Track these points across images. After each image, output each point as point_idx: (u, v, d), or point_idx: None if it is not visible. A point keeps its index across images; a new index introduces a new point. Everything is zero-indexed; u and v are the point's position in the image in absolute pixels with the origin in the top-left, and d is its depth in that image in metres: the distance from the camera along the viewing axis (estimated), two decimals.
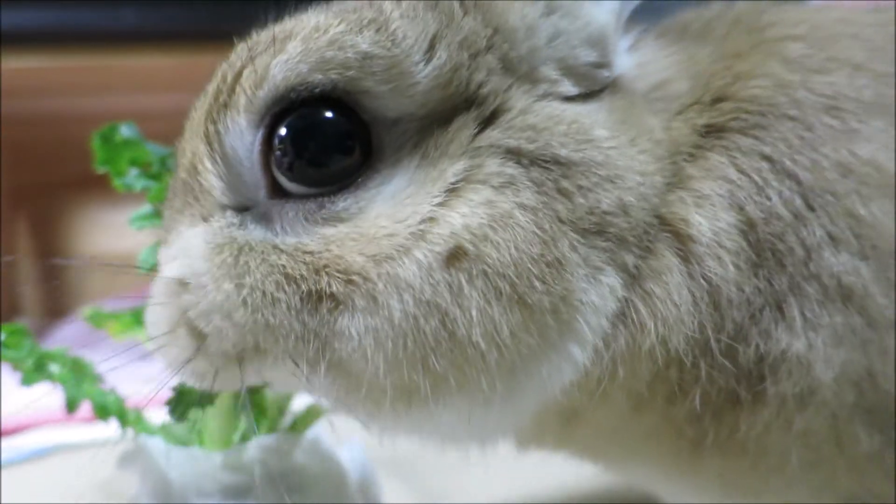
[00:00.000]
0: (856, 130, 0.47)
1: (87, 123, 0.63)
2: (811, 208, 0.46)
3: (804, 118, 0.48)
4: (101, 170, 0.60)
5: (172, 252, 0.47)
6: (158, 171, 0.60)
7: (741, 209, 0.47)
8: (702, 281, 0.46)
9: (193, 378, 0.49)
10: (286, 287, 0.42)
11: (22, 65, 1.37)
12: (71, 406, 0.59)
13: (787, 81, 0.49)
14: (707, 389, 0.48)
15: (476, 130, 0.44)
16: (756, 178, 0.47)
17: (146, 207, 0.61)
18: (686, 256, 0.47)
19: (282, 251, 0.43)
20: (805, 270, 0.46)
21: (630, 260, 0.46)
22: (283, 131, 0.43)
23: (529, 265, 0.42)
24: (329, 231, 0.43)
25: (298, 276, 0.42)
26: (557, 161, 0.44)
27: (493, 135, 0.44)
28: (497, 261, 0.41)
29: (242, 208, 0.46)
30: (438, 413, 0.44)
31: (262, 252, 0.44)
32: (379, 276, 0.41)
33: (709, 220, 0.46)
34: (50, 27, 1.38)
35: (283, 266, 0.43)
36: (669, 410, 0.49)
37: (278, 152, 0.43)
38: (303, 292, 0.42)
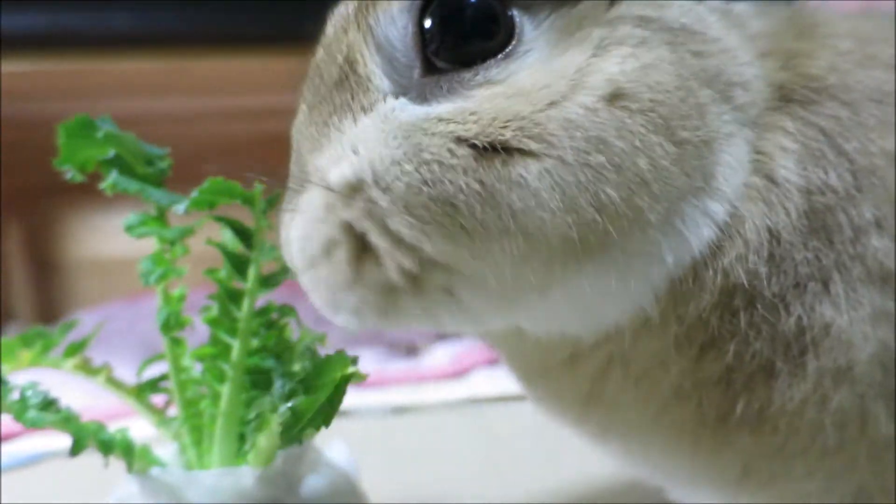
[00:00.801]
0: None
1: None
2: (860, 189, 0.49)
3: (853, 103, 0.51)
4: (64, 168, 0.57)
5: (335, 152, 0.48)
6: (152, 173, 0.59)
7: (805, 173, 0.50)
8: (768, 224, 0.49)
9: (349, 314, 0.49)
10: (459, 151, 0.44)
11: (14, 69, 1.36)
12: (78, 449, 0.58)
13: (840, 67, 0.53)
14: (741, 350, 0.50)
15: (606, 7, 0.48)
16: (815, 147, 0.50)
17: (143, 212, 0.60)
18: (766, 195, 0.49)
19: (448, 120, 0.45)
20: (852, 250, 0.49)
21: (752, 138, 0.50)
22: (432, 14, 0.47)
23: (677, 104, 0.46)
24: (487, 92, 0.46)
25: (470, 136, 0.44)
26: (683, 28, 0.48)
27: (621, 8, 0.48)
28: (651, 99, 0.45)
29: (400, 92, 0.48)
30: (597, 269, 0.46)
31: (429, 126, 0.46)
32: (548, 119, 0.44)
33: (786, 169, 0.50)
34: (42, 31, 1.37)
35: (452, 131, 0.45)
36: (701, 366, 0.51)
37: (429, 34, 0.47)
38: (476, 150, 0.44)
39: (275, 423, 0.55)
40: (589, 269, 0.47)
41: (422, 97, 0.47)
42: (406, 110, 0.47)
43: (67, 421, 0.58)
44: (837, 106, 0.51)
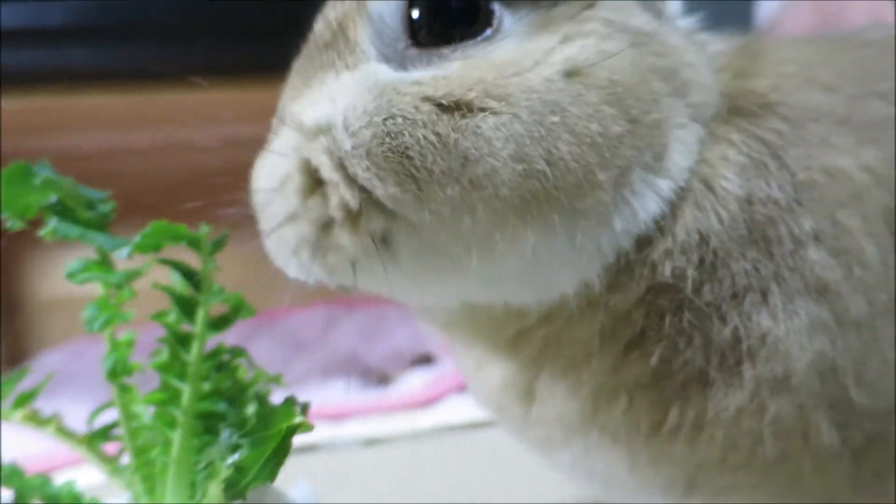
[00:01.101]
0: (834, 143, 0.54)
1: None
2: (800, 203, 0.51)
3: (795, 120, 0.54)
4: (3, 216, 0.56)
5: (313, 98, 0.51)
6: (94, 217, 0.58)
7: (746, 184, 0.52)
8: (699, 227, 0.51)
9: (289, 254, 0.51)
10: (423, 107, 0.47)
11: None
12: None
13: (783, 87, 0.56)
14: (669, 356, 0.51)
15: (578, 11, 0.52)
16: (759, 159, 0.53)
17: (86, 257, 0.59)
18: (699, 200, 0.52)
19: (422, 83, 0.49)
20: (791, 261, 0.51)
21: (702, 135, 0.53)
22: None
23: (635, 88, 0.49)
24: (461, 64, 0.50)
25: (438, 95, 0.48)
26: (644, 32, 0.52)
27: (591, 12, 0.52)
28: (608, 79, 0.48)
29: (384, 60, 0.52)
30: (544, 225, 0.48)
31: (403, 87, 0.49)
32: (510, 83, 0.47)
33: (726, 179, 0.52)
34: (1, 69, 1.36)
35: (422, 92, 0.48)
36: (624, 364, 0.52)
37: (417, 14, 0.51)
38: (440, 106, 0.47)
39: (220, 478, 0.53)
40: (536, 224, 0.48)
41: (402, 66, 0.51)
42: (386, 73, 0.51)
43: (11, 476, 0.57)
44: (780, 121, 0.54)
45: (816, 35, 0.74)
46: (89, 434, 0.64)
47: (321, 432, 1.25)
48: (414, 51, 0.52)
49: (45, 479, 0.57)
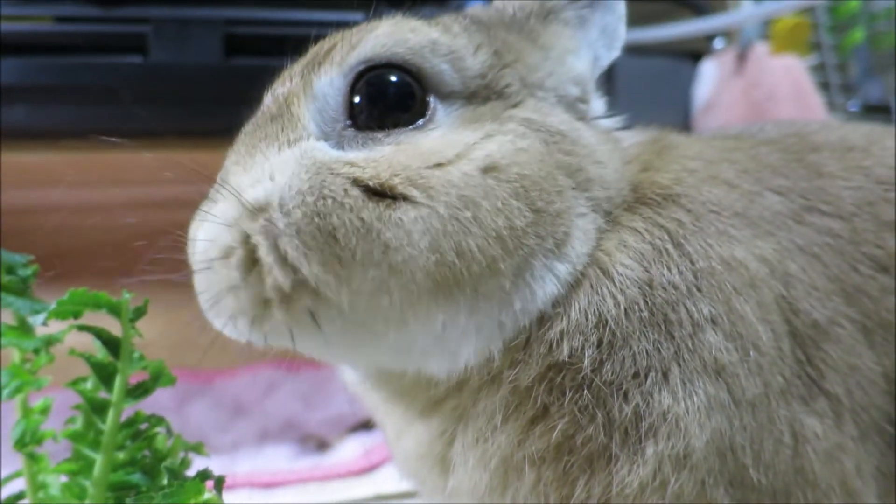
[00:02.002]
0: (733, 235, 0.57)
1: None
2: (699, 289, 0.54)
3: (695, 210, 0.58)
4: None
5: (255, 175, 0.55)
6: (14, 280, 0.57)
7: (647, 270, 0.55)
8: (597, 310, 0.54)
9: (226, 318, 0.54)
10: (352, 192, 0.51)
11: None
12: None
13: (684, 180, 0.60)
14: (572, 431, 0.53)
15: (503, 111, 0.58)
16: (661, 246, 0.56)
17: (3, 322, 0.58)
18: (596, 285, 0.55)
19: (353, 164, 0.53)
20: (690, 343, 0.53)
21: (603, 227, 0.58)
22: (363, 84, 0.56)
23: (541, 182, 0.54)
24: (392, 149, 0.54)
25: (366, 177, 0.52)
26: (558, 132, 0.58)
27: (514, 112, 0.58)
28: (517, 173, 0.53)
29: (323, 137, 0.56)
30: (450, 306, 0.52)
31: (337, 167, 0.53)
32: (432, 175, 0.52)
33: (624, 265, 0.55)
34: None
35: (352, 173, 0.52)
36: (529, 438, 0.54)
37: (358, 98, 0.56)
38: (367, 192, 0.51)
39: None
40: (444, 304, 0.52)
41: (339, 145, 0.56)
42: (323, 151, 0.55)
43: None
44: (681, 212, 0.58)
45: (721, 131, 0.79)
46: None
47: (255, 500, 1.22)
48: (351, 132, 0.56)
49: None
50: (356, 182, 0.52)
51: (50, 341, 0.58)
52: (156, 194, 1.64)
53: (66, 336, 0.59)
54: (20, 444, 0.57)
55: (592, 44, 0.66)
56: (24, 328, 0.58)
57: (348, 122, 0.56)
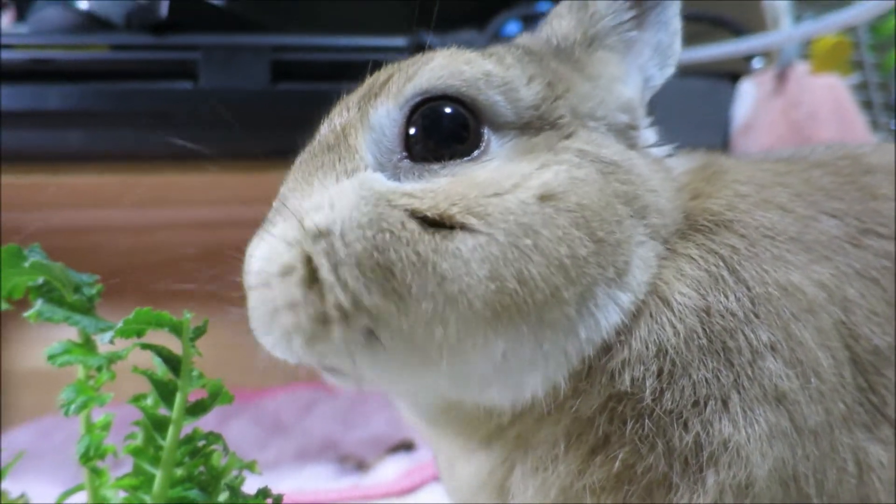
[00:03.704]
0: (788, 260, 0.56)
1: (27, 239, 0.62)
2: (757, 315, 0.54)
3: (749, 235, 0.58)
4: None
5: (315, 201, 0.55)
6: (80, 300, 0.59)
7: (704, 297, 0.55)
8: (657, 339, 0.54)
9: (279, 336, 0.53)
10: (409, 225, 0.52)
11: None
12: None
13: (737, 206, 0.60)
14: (632, 461, 0.53)
15: (557, 141, 0.58)
16: (716, 273, 0.56)
17: (67, 339, 0.60)
18: (656, 314, 0.54)
19: (411, 195, 0.53)
20: (750, 371, 0.52)
21: (663, 253, 0.57)
22: (419, 115, 0.57)
23: (600, 212, 0.54)
24: (448, 180, 0.55)
25: (424, 208, 0.52)
26: (613, 162, 0.58)
27: (568, 143, 0.58)
28: (577, 203, 0.53)
29: (379, 168, 0.57)
30: (512, 334, 0.52)
31: (394, 198, 0.53)
32: (490, 203, 0.52)
33: (682, 294, 0.55)
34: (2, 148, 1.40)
35: (410, 204, 0.53)
36: (589, 468, 0.54)
37: (413, 129, 0.57)
38: (424, 223, 0.52)
39: None
40: (504, 333, 0.52)
41: (396, 176, 0.56)
42: (380, 182, 0.55)
43: None
44: (735, 237, 0.57)
45: (771, 154, 0.79)
46: None
47: None
48: (407, 163, 0.56)
49: None
50: (414, 213, 0.52)
51: (112, 359, 0.60)
52: (204, 215, 1.69)
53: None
54: (84, 458, 0.59)
55: (643, 65, 0.66)
56: (88, 345, 0.60)
57: (404, 154, 0.57)
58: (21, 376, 1.99)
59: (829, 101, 2.01)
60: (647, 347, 0.53)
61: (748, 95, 2.06)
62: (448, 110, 0.56)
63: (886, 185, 0.64)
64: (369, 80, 0.62)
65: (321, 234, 0.53)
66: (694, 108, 2.04)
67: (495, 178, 0.54)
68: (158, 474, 0.58)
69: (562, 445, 0.55)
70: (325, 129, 0.61)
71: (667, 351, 0.53)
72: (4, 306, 0.58)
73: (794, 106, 1.99)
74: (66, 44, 1.39)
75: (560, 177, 0.54)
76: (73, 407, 0.57)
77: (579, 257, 0.52)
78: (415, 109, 0.57)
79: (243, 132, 1.22)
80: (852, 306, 0.56)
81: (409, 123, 0.57)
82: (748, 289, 0.54)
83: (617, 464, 0.53)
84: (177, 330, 0.57)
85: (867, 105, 2.32)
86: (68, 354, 0.58)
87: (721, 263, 0.56)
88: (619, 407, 0.53)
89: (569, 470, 0.55)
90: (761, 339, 0.53)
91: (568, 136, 0.58)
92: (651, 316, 0.54)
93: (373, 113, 0.58)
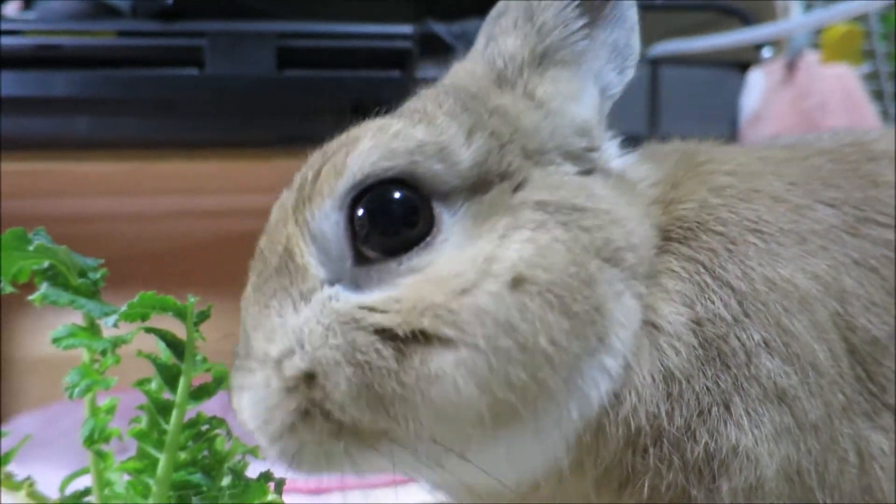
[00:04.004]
0: (777, 253, 0.55)
1: (33, 225, 0.62)
2: (746, 314, 0.54)
3: (728, 233, 0.56)
4: None
5: (284, 344, 0.52)
6: (85, 284, 0.59)
7: (692, 308, 0.54)
8: (661, 367, 0.53)
9: (287, 454, 0.52)
10: (384, 351, 0.49)
11: None
12: None
13: (712, 204, 0.58)
14: (657, 483, 0.53)
15: (511, 194, 0.54)
16: (698, 280, 0.55)
17: (72, 323, 0.60)
18: (654, 342, 0.53)
19: (374, 309, 0.50)
20: (747, 371, 0.52)
21: (642, 291, 0.55)
22: (361, 210, 0.52)
23: (569, 281, 0.50)
24: (409, 280, 0.51)
25: (394, 325, 0.49)
26: (574, 207, 0.54)
27: (523, 195, 0.54)
28: (547, 280, 0.50)
29: (335, 280, 0.53)
30: (511, 433, 0.51)
31: (361, 317, 0.50)
32: (461, 307, 0.49)
33: (672, 313, 0.54)
34: (10, 135, 1.40)
35: (379, 322, 0.50)
36: (621, 501, 0.54)
37: (359, 227, 0.52)
38: (398, 344, 0.49)
39: None
40: (505, 434, 0.51)
41: (354, 284, 0.52)
42: (340, 299, 0.52)
43: None
44: (713, 238, 0.56)
45: (776, 140, 0.76)
46: (61, 500, 0.63)
47: None
48: (362, 270, 0.52)
49: None
50: (385, 332, 0.49)
51: (117, 343, 0.60)
52: (209, 203, 1.69)
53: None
54: (89, 441, 0.59)
55: (599, 72, 0.61)
56: (93, 329, 0.61)
57: (355, 259, 0.52)
58: (27, 364, 2.00)
59: (839, 91, 2.00)
60: (653, 379, 0.53)
61: (757, 85, 2.05)
62: (394, 195, 0.52)
63: (889, 172, 0.62)
64: (299, 181, 0.56)
65: (302, 380, 0.51)
66: (703, 98, 2.03)
67: (457, 267, 0.50)
68: (162, 458, 0.58)
69: (592, 492, 0.55)
70: (268, 250, 0.56)
71: (673, 373, 0.52)
72: (9, 289, 0.58)
73: (804, 96, 1.97)
74: (73, 30, 1.39)
75: (525, 251, 0.50)
76: (77, 390, 0.57)
77: (560, 342, 0.50)
78: (354, 204, 0.52)
79: (249, 119, 1.22)
80: (849, 297, 0.55)
81: (351, 223, 0.52)
82: (733, 290, 0.54)
83: (645, 490, 0.53)
84: (181, 314, 0.57)
85: (878, 95, 2.30)
86: (73, 338, 0.58)
87: (702, 269, 0.55)
88: (640, 439, 0.53)
89: None
90: (753, 339, 0.52)
91: (522, 186, 0.55)
92: (650, 344, 0.53)
93: (311, 221, 0.53)
